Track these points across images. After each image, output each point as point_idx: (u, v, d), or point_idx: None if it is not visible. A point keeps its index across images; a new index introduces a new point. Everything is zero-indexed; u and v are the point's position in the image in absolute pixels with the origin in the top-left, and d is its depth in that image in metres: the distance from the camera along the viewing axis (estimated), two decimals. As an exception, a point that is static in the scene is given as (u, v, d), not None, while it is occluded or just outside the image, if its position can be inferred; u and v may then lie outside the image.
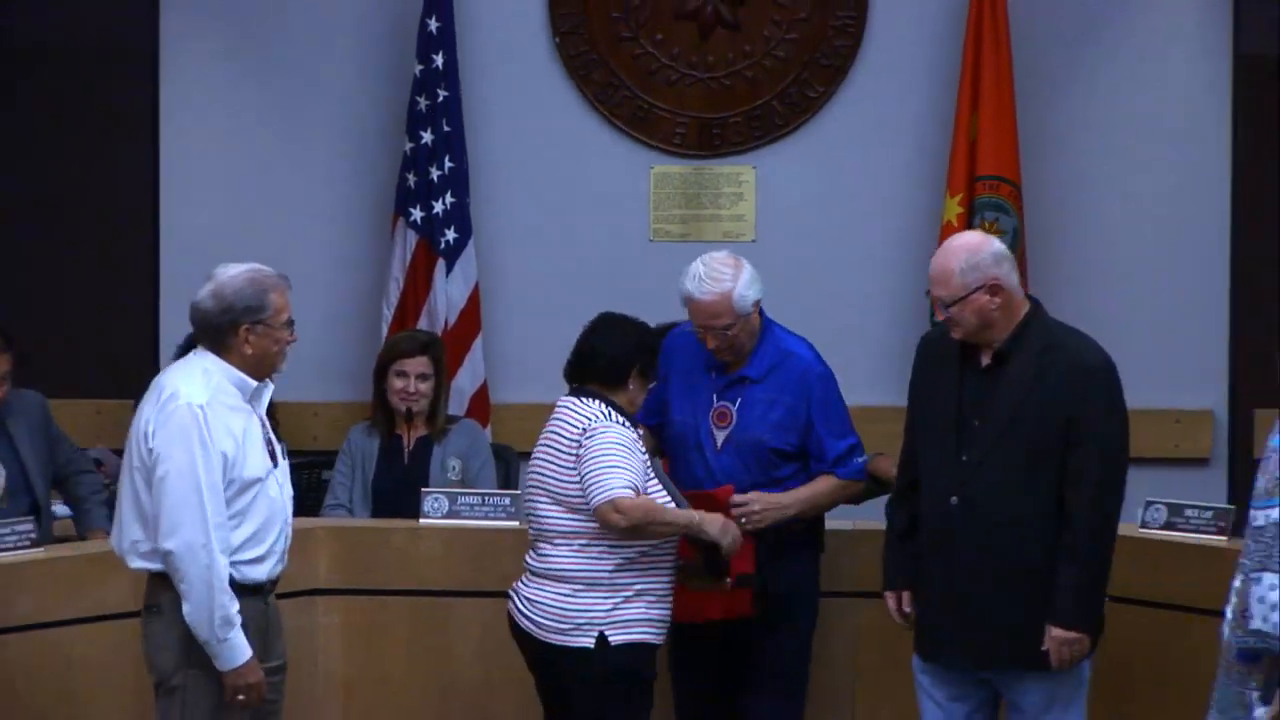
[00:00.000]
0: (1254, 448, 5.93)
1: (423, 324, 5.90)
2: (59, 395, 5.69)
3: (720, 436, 4.38)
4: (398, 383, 5.22)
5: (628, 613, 4.07)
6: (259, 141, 6.18)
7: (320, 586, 4.66)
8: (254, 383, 3.80)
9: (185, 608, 3.68)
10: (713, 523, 4.10)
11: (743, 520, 4.28)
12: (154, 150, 6.17)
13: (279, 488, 3.85)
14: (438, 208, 5.98)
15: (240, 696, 3.73)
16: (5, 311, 5.72)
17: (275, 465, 3.84)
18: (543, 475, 4.13)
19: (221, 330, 3.76)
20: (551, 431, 4.15)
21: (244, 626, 3.74)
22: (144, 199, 6.18)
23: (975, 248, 3.93)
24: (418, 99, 5.98)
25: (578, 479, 4.05)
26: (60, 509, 5.23)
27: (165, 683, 3.78)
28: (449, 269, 5.98)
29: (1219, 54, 5.97)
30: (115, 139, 6.24)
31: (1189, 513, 4.56)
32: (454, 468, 5.19)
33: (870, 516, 4.57)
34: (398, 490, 5.09)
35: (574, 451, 4.07)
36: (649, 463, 4.15)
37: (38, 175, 6.24)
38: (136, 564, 3.77)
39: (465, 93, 6.01)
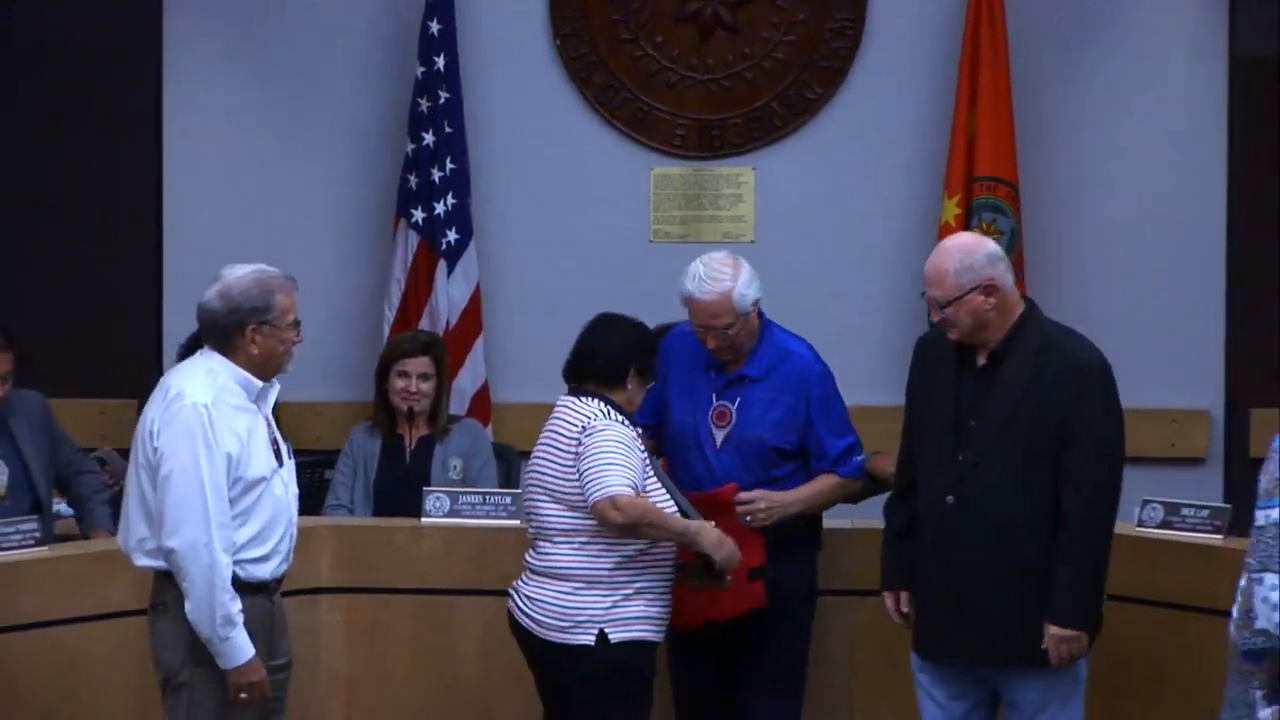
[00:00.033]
0: (1250, 447, 5.96)
1: (424, 324, 5.91)
2: (62, 395, 5.69)
3: (720, 435, 4.39)
4: (399, 382, 5.23)
5: (627, 610, 4.08)
6: (262, 142, 6.19)
7: (323, 585, 4.67)
8: (259, 383, 3.82)
9: (187, 606, 3.69)
10: (708, 535, 4.10)
11: (748, 518, 4.30)
12: (157, 151, 6.18)
13: (284, 487, 3.86)
14: (439, 209, 5.98)
15: (242, 695, 3.74)
16: (9, 311, 5.72)
17: (280, 465, 3.86)
18: (542, 474, 4.14)
19: (228, 330, 3.77)
20: (551, 430, 4.16)
21: (250, 624, 3.76)
22: (147, 199, 6.19)
23: (969, 249, 3.94)
24: (419, 101, 5.99)
25: (576, 477, 4.06)
26: (61, 508, 5.24)
27: (172, 680, 3.79)
28: (450, 270, 5.99)
29: (1215, 55, 5.98)
30: (119, 139, 6.24)
31: (1185, 512, 4.57)
32: (455, 467, 5.20)
33: (868, 515, 4.58)
34: (400, 489, 5.10)
35: (573, 450, 4.08)
36: (648, 461, 4.16)
37: (41, 175, 6.25)
38: (142, 562, 3.79)
39: (466, 94, 6.02)
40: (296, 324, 3.84)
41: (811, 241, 6.09)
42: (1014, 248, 5.83)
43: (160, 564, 3.74)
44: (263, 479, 3.78)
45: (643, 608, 4.10)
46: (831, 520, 4.59)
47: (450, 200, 6.00)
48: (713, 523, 4.15)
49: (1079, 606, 3.87)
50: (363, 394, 5.71)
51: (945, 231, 5.64)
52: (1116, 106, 6.02)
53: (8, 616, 4.32)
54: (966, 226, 5.73)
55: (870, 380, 5.57)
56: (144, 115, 6.18)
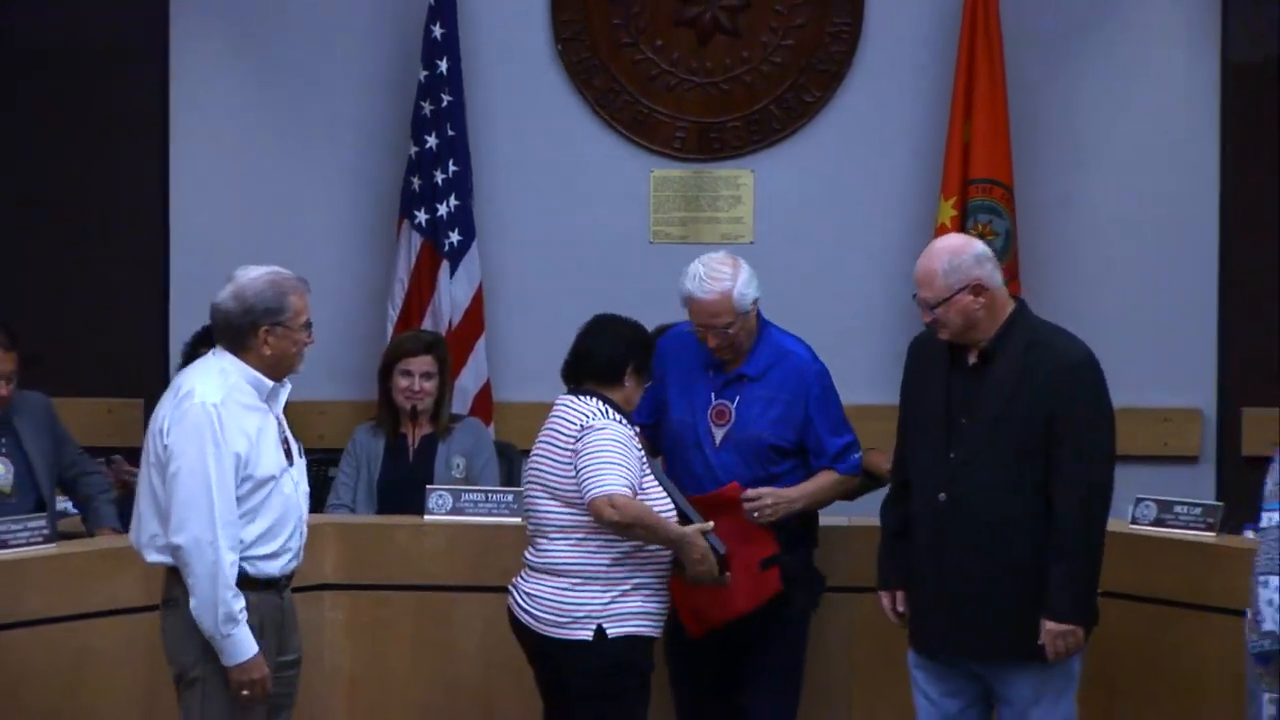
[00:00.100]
0: (1242, 446, 5.98)
1: (427, 324, 5.92)
2: (69, 394, 5.73)
3: (719, 434, 4.41)
4: (403, 381, 5.24)
5: (625, 606, 4.10)
6: (267, 145, 6.20)
7: (327, 582, 4.68)
8: (270, 383, 3.84)
9: (192, 602, 3.72)
10: (693, 549, 4.10)
11: (755, 514, 4.33)
12: (163, 152, 6.19)
13: (294, 485, 3.88)
14: (442, 210, 6.00)
15: (245, 692, 3.76)
16: (16, 311, 5.72)
17: (291, 464, 3.88)
18: (541, 471, 4.16)
19: (242, 331, 3.79)
20: (550, 429, 4.17)
21: (260, 620, 3.78)
22: (153, 201, 6.20)
23: (958, 249, 3.96)
24: (422, 104, 6.00)
25: (574, 474, 4.08)
26: (66, 506, 5.25)
27: (185, 675, 3.81)
28: (453, 270, 6.00)
29: (1208, 58, 6.00)
30: (124, 140, 6.24)
31: (1178, 509, 4.60)
32: (458, 465, 5.21)
33: (865, 512, 4.59)
34: (403, 487, 5.12)
35: (571, 447, 4.09)
36: (645, 460, 4.18)
37: (47, 176, 6.25)
38: (153, 557, 3.81)
39: (469, 98, 6.04)
40: (308, 325, 3.87)
41: (809, 243, 6.11)
42: (1009, 249, 5.85)
43: (170, 560, 3.76)
44: (272, 477, 3.80)
45: (640, 603, 4.12)
46: (829, 517, 4.61)
47: (453, 202, 6.01)
48: (711, 523, 4.17)
49: (1074, 602, 3.89)
50: (366, 393, 5.70)
51: (941, 233, 5.63)
52: (1110, 109, 6.04)
53: (15, 613, 4.34)
54: (962, 228, 5.74)
55: (868, 379, 5.58)
56: (150, 116, 6.20)
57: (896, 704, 4.34)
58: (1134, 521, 4.62)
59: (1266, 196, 5.96)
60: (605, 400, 4.16)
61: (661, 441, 4.52)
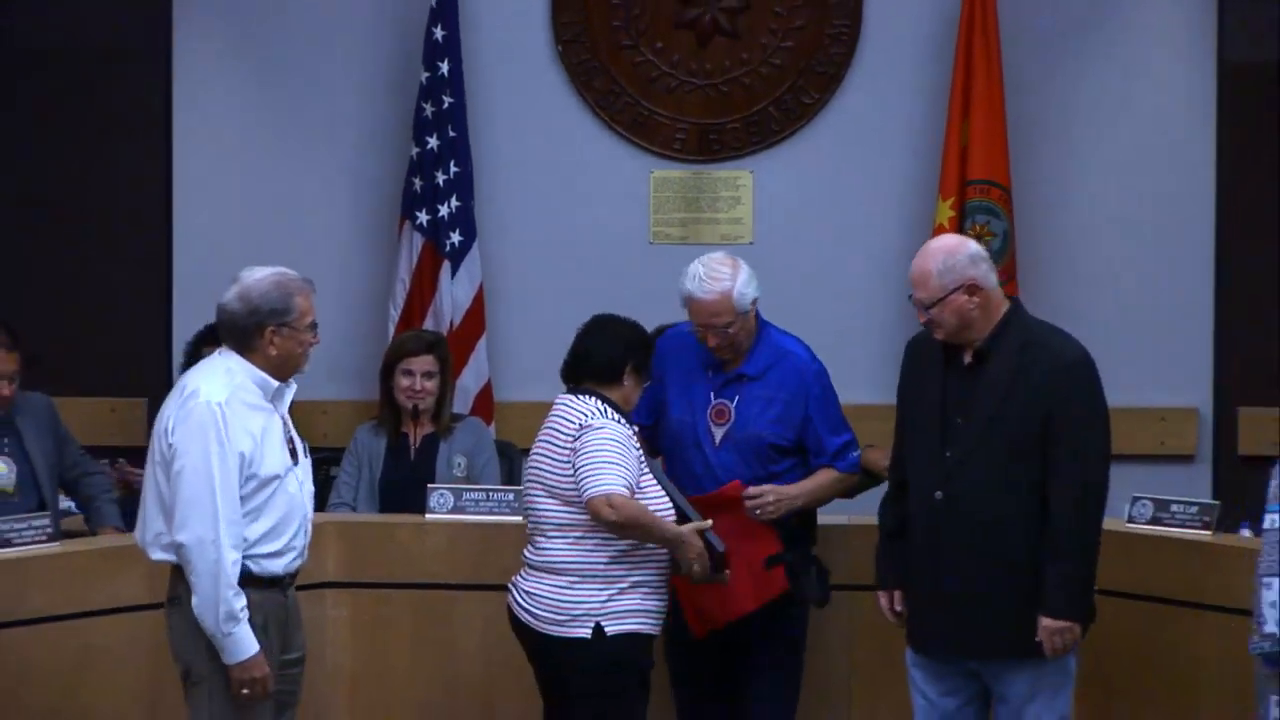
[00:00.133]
0: (1238, 445, 6.00)
1: (428, 324, 5.92)
2: (73, 394, 5.75)
3: (719, 433, 4.43)
4: (404, 381, 5.24)
5: (623, 603, 4.11)
6: (270, 146, 6.21)
7: (329, 580, 4.69)
8: (275, 383, 3.85)
9: (193, 600, 3.73)
10: (689, 550, 4.12)
11: (757, 511, 4.34)
12: (166, 153, 6.20)
13: (299, 485, 3.89)
14: (443, 211, 6.01)
15: (245, 690, 3.76)
16: (19, 311, 5.73)
17: (296, 463, 3.89)
18: (540, 470, 4.17)
19: (247, 331, 3.80)
20: (549, 428, 4.19)
21: (264, 618, 3.79)
22: (156, 201, 6.21)
23: (952, 250, 3.98)
24: (424, 105, 6.01)
25: (572, 473, 4.09)
26: (69, 505, 5.26)
27: (192, 672, 3.82)
28: (454, 271, 6.01)
29: (1204, 59, 6.01)
30: (128, 140, 6.25)
31: (1175, 508, 4.61)
32: (460, 464, 5.22)
33: (864, 511, 4.60)
34: (405, 486, 5.13)
35: (570, 446, 4.11)
36: (643, 460, 4.18)
37: (51, 176, 6.25)
38: (158, 555, 3.82)
39: (470, 99, 6.05)
40: (314, 326, 3.87)
41: (808, 243, 6.12)
42: (1007, 250, 5.87)
43: (174, 558, 3.77)
44: (276, 476, 3.82)
45: (638, 601, 4.13)
46: (828, 516, 4.63)
47: (454, 203, 6.03)
48: (709, 521, 4.18)
49: (1070, 599, 3.90)
50: (368, 393, 5.72)
51: (939, 234, 5.68)
52: (1107, 110, 6.05)
53: (19, 611, 4.35)
54: (960, 229, 5.75)
55: (867, 379, 5.58)
56: (152, 116, 6.20)
57: (896, 703, 4.34)
58: (1131, 520, 4.63)
59: (1263, 197, 5.98)
60: (604, 400, 4.17)
61: (661, 441, 4.53)
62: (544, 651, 4.18)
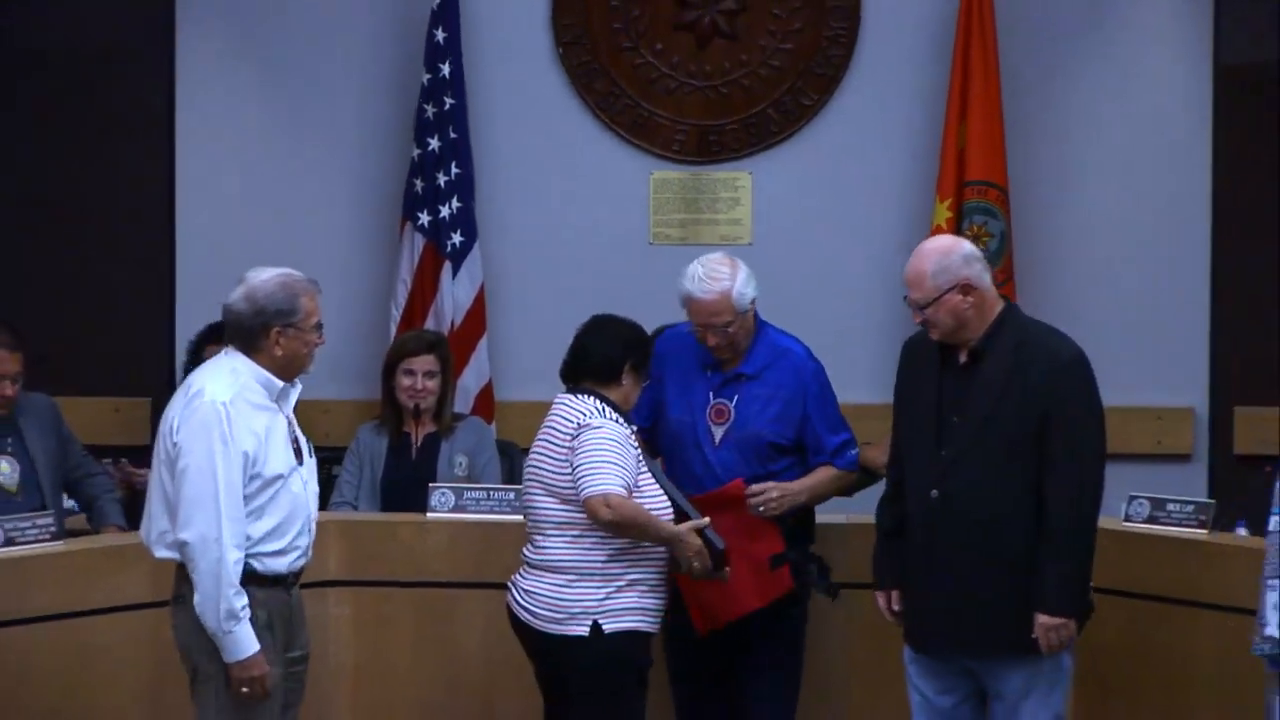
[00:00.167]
0: (1234, 445, 6.01)
1: (430, 325, 5.93)
2: (76, 394, 5.76)
3: (719, 433, 4.44)
4: (405, 380, 5.25)
5: (620, 601, 4.12)
6: (272, 146, 6.22)
7: (331, 579, 4.70)
8: (280, 383, 3.86)
9: (195, 597, 3.74)
10: (687, 548, 4.14)
11: (761, 508, 4.35)
12: (170, 152, 6.22)
13: (303, 484, 3.90)
14: (444, 212, 6.03)
15: (244, 689, 3.78)
16: (23, 311, 5.75)
17: (300, 463, 3.90)
18: (538, 468, 4.19)
19: (253, 332, 3.82)
20: (548, 427, 4.20)
21: (270, 615, 3.81)
22: (160, 200, 6.22)
23: (946, 250, 4.00)
24: (425, 107, 6.03)
25: (570, 471, 4.10)
26: (72, 505, 5.26)
27: (198, 670, 3.84)
28: (455, 271, 6.03)
29: (1200, 61, 6.03)
30: (131, 140, 6.25)
31: (1171, 507, 4.62)
32: (461, 463, 5.23)
33: (863, 510, 4.61)
34: (407, 485, 5.14)
35: (568, 445, 4.12)
36: (641, 459, 4.20)
37: (54, 176, 6.26)
38: (162, 554, 3.84)
39: (471, 101, 6.07)
40: (319, 327, 3.89)
41: (807, 244, 6.13)
42: (1004, 250, 5.89)
43: (179, 556, 3.79)
44: (280, 476, 3.83)
45: (636, 599, 4.14)
46: (826, 515, 4.64)
47: (455, 204, 6.04)
48: (708, 519, 4.19)
49: (1066, 596, 3.92)
50: (370, 393, 5.74)
51: (936, 234, 5.70)
52: (1104, 111, 6.07)
53: (23, 609, 4.37)
54: (958, 230, 5.77)
55: (867, 379, 5.59)
56: (156, 117, 6.22)
57: (894, 701, 4.35)
58: (1127, 519, 4.65)
59: (1259, 197, 6.00)
60: (603, 399, 4.19)
61: (659, 442, 4.54)
62: (542, 650, 4.19)
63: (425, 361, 5.28)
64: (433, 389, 5.27)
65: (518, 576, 4.23)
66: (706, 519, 4.19)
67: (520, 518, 4.40)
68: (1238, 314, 6.06)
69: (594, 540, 4.12)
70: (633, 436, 4.20)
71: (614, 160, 6.18)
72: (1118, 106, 6.08)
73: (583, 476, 4.08)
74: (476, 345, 6.04)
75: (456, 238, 6.06)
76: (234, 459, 3.75)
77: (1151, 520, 4.63)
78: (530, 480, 4.23)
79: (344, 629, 4.74)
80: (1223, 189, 6.06)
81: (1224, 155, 6.05)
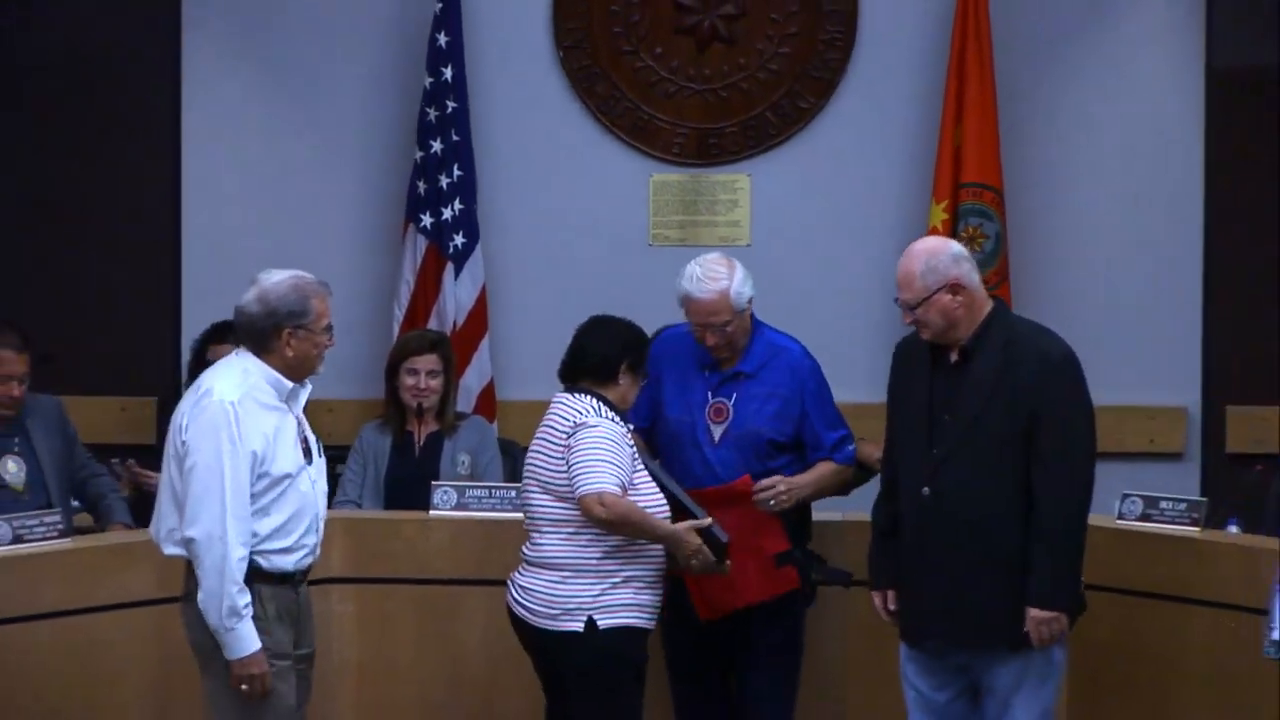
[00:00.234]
0: (1226, 443, 6.03)
1: (432, 325, 5.94)
2: (83, 393, 5.76)
3: (718, 431, 4.47)
4: (409, 379, 5.27)
5: (615, 598, 4.14)
6: (277, 148, 6.24)
7: (334, 576, 4.71)
8: (290, 383, 3.88)
9: (199, 594, 3.77)
10: (685, 545, 4.16)
11: (771, 502, 4.38)
12: (175, 154, 6.23)
13: (311, 484, 3.92)
14: (446, 214, 6.05)
15: (244, 687, 3.79)
16: (30, 311, 5.78)
17: (309, 462, 3.92)
18: (536, 466, 4.21)
19: (265, 333, 3.84)
20: (546, 425, 4.22)
21: (276, 613, 3.84)
22: (165, 201, 6.23)
23: (935, 250, 4.02)
24: (427, 110, 6.05)
25: (566, 469, 4.12)
26: (76, 504, 5.27)
27: (210, 665, 3.86)
28: (457, 272, 6.05)
29: (1192, 64, 6.06)
30: (137, 141, 6.27)
31: (1164, 505, 4.64)
32: (464, 462, 5.24)
33: (858, 507, 4.64)
34: (409, 483, 5.17)
35: (564, 443, 4.14)
36: (637, 458, 4.21)
37: (61, 177, 6.27)
38: (171, 550, 3.86)
39: (473, 104, 6.08)
40: (330, 328, 3.91)
41: (805, 245, 6.16)
42: (999, 252, 5.92)
43: (186, 553, 3.81)
44: (288, 475, 3.85)
45: (632, 595, 4.16)
46: (823, 512, 4.66)
47: (457, 206, 6.06)
48: (709, 519, 4.21)
49: (1057, 590, 3.95)
50: (373, 392, 5.74)
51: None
52: (1097, 114, 6.10)
53: (32, 606, 4.39)
54: (954, 232, 5.80)
55: (865, 379, 5.47)
56: (161, 118, 6.23)
57: (891, 697, 4.34)
58: (1120, 517, 4.67)
59: (1251, 199, 6.03)
60: (600, 398, 4.21)
61: (658, 441, 4.56)
62: (539, 646, 4.22)
63: (428, 361, 5.30)
64: (435, 388, 5.30)
65: (516, 574, 4.25)
66: (708, 520, 4.21)
67: (522, 515, 4.41)
68: (1230, 314, 6.08)
69: (589, 537, 4.14)
70: (629, 436, 4.22)
71: (614, 162, 6.20)
72: (1111, 109, 6.11)
73: (578, 475, 4.10)
74: (478, 345, 6.07)
75: (459, 239, 6.08)
76: (241, 458, 3.77)
77: (1144, 518, 4.65)
78: (528, 478, 4.25)
79: (347, 626, 4.76)
80: (1215, 190, 6.09)
81: (1216, 157, 6.07)
